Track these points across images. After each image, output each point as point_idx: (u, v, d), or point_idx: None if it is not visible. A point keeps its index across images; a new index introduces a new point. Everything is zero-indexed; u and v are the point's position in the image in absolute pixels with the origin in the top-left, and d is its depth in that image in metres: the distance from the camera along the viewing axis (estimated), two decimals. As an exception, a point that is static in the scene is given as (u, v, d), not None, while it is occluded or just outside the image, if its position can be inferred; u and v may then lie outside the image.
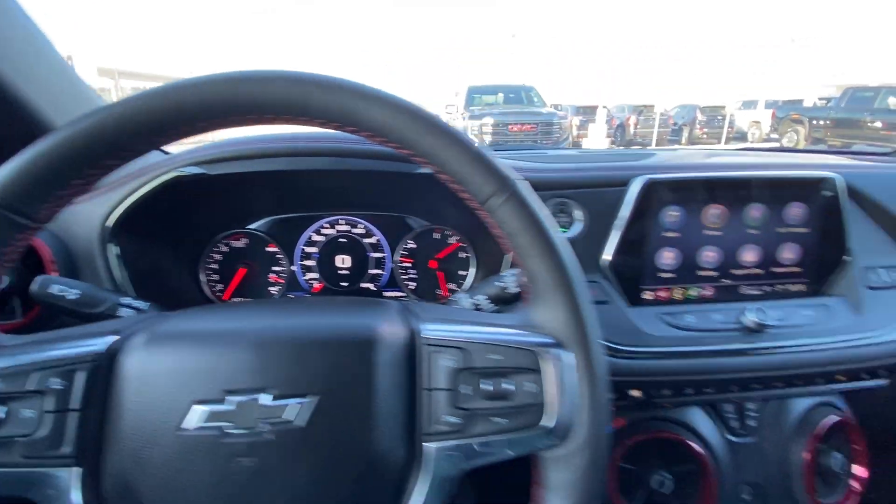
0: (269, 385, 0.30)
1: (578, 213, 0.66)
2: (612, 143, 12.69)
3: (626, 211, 0.62)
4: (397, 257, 0.78)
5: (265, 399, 0.30)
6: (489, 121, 8.51)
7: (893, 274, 0.66)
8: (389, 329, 0.37)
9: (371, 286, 0.79)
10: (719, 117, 14.18)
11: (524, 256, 0.39)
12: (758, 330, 0.61)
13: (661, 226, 0.64)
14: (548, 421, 0.36)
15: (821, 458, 0.65)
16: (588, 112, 14.47)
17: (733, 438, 0.66)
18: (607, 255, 0.63)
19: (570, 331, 0.38)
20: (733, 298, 0.66)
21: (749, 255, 0.66)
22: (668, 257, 0.65)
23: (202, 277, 0.75)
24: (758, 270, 0.67)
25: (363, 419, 0.31)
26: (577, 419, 0.37)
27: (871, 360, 0.62)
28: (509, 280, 0.54)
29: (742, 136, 14.92)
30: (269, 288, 0.77)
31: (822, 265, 0.67)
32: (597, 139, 12.11)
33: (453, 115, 10.13)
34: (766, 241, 0.66)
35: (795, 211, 0.66)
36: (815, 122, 11.42)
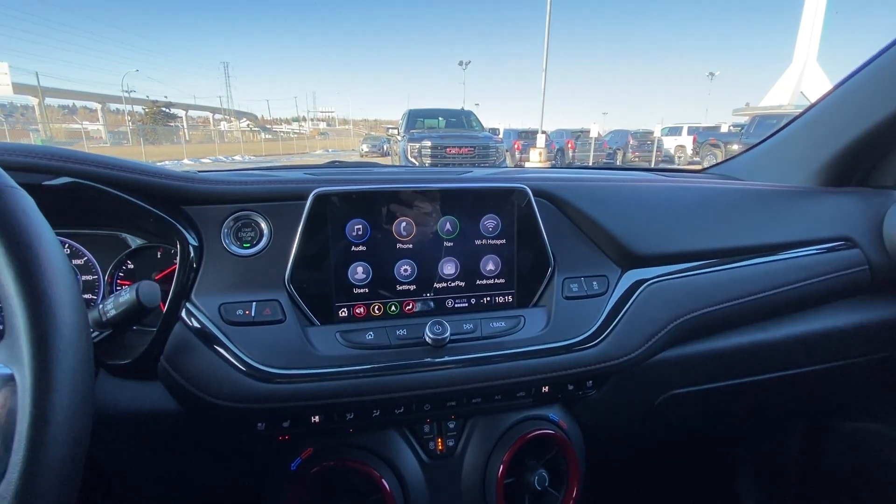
0: None
1: (265, 227, 0.63)
2: (553, 166, 13.21)
3: (301, 224, 0.60)
4: (114, 279, 0.71)
5: None
6: (428, 143, 8.64)
7: (590, 283, 0.67)
8: None
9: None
10: (649, 142, 15.18)
11: None
12: (437, 345, 0.59)
13: (347, 240, 0.62)
14: None
15: (525, 475, 0.63)
16: (530, 136, 15.04)
17: (429, 461, 0.64)
18: (288, 270, 0.60)
19: (22, 363, 0.33)
20: (439, 313, 0.65)
21: (449, 268, 0.65)
22: (359, 272, 0.62)
23: None
24: (460, 283, 0.66)
25: None
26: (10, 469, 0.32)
27: (558, 370, 0.62)
28: (108, 303, 0.49)
29: (670, 159, 16.02)
30: None
31: (527, 276, 0.67)
32: (536, 163, 12.56)
33: (395, 137, 10.20)
34: (465, 253, 0.65)
35: (490, 223, 0.66)
36: (729, 145, 12.49)
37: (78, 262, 0.71)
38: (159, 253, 0.72)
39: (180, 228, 0.59)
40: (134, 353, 0.58)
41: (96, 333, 0.49)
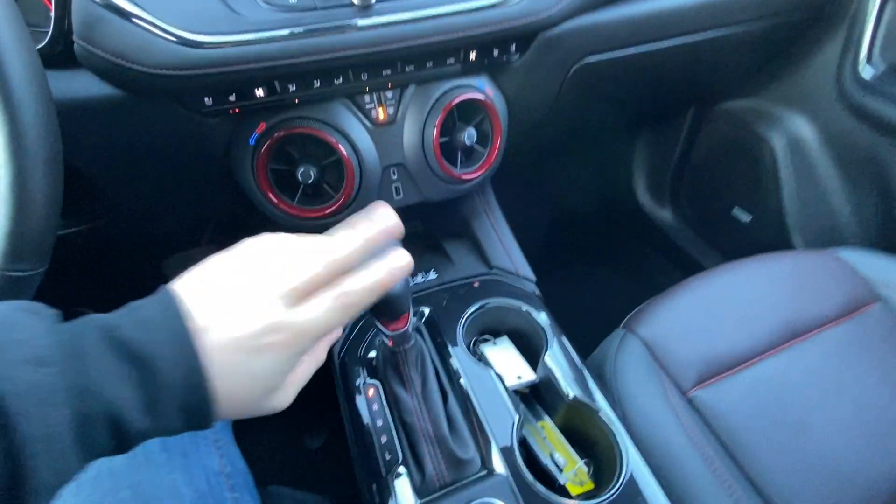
0: None
1: None
2: None
3: None
4: None
5: None
6: None
7: None
8: None
9: None
10: None
11: None
12: (363, 4, 0.59)
13: None
14: None
15: (456, 134, 0.75)
16: None
17: (373, 128, 0.72)
18: None
19: None
20: None
21: None
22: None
23: None
24: None
25: None
26: None
27: (485, 26, 0.65)
28: None
29: None
30: None
31: None
32: None
33: None
34: None
35: None
36: None
37: None
38: None
39: None
40: (41, 40, 0.55)
41: None
